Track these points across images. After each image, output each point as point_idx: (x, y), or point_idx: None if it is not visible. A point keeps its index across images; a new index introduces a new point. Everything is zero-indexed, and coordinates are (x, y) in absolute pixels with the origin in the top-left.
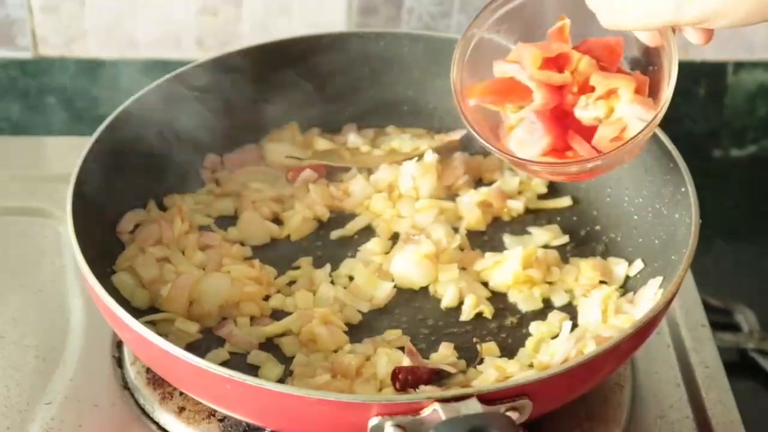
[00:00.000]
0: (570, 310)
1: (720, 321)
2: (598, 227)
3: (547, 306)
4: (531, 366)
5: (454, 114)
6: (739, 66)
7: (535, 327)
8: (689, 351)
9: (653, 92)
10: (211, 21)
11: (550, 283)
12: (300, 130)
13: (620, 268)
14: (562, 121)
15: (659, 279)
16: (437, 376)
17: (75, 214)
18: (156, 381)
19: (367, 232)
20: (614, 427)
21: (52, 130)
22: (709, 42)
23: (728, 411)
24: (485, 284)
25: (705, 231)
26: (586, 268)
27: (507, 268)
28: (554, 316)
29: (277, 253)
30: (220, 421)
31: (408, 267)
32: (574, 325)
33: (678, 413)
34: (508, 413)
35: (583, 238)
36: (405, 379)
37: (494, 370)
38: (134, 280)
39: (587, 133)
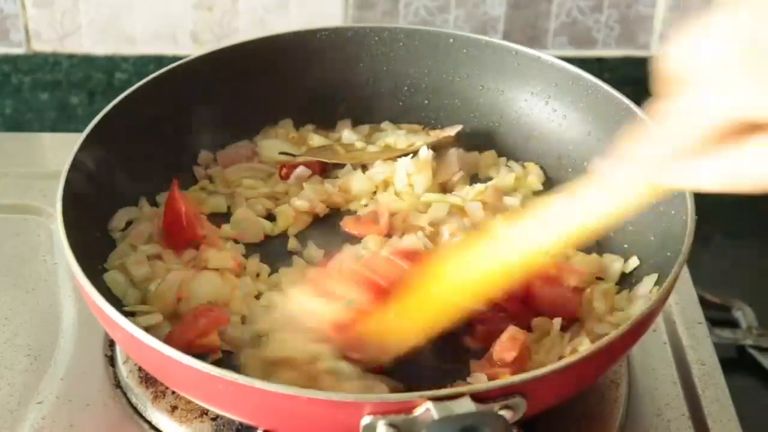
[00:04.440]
0: None
1: (718, 317)
2: None
3: None
4: None
5: (449, 110)
6: None
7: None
8: (686, 348)
9: None
10: (206, 16)
11: None
12: (294, 127)
13: (616, 264)
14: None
15: (655, 276)
16: None
17: (65, 211)
18: (148, 380)
19: None
20: (610, 425)
21: (46, 126)
22: None
23: (725, 409)
24: None
25: (704, 227)
26: (582, 265)
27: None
28: None
29: (270, 251)
30: (213, 419)
31: None
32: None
33: (674, 411)
34: (502, 412)
35: None
36: None
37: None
38: (126, 279)
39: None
